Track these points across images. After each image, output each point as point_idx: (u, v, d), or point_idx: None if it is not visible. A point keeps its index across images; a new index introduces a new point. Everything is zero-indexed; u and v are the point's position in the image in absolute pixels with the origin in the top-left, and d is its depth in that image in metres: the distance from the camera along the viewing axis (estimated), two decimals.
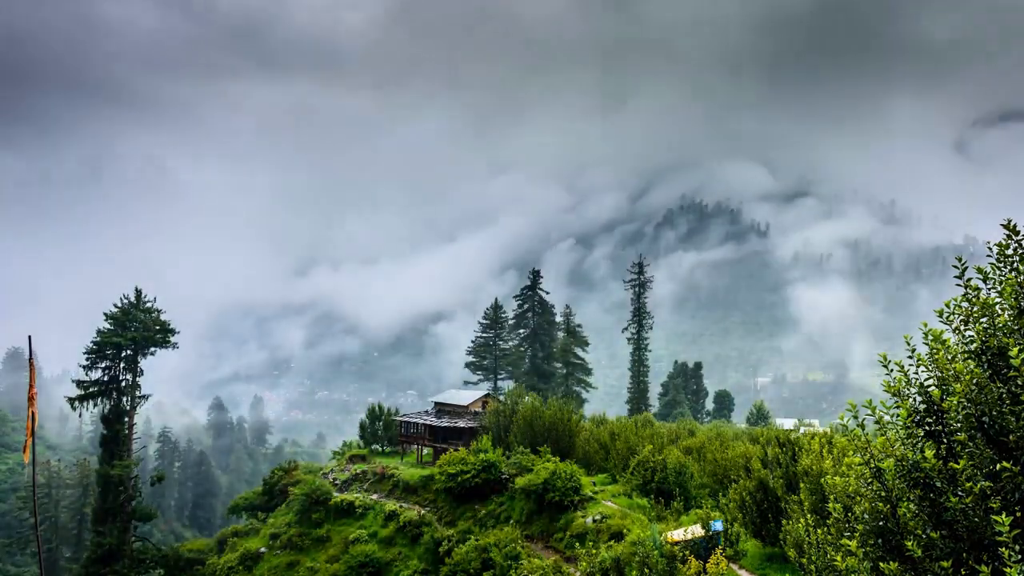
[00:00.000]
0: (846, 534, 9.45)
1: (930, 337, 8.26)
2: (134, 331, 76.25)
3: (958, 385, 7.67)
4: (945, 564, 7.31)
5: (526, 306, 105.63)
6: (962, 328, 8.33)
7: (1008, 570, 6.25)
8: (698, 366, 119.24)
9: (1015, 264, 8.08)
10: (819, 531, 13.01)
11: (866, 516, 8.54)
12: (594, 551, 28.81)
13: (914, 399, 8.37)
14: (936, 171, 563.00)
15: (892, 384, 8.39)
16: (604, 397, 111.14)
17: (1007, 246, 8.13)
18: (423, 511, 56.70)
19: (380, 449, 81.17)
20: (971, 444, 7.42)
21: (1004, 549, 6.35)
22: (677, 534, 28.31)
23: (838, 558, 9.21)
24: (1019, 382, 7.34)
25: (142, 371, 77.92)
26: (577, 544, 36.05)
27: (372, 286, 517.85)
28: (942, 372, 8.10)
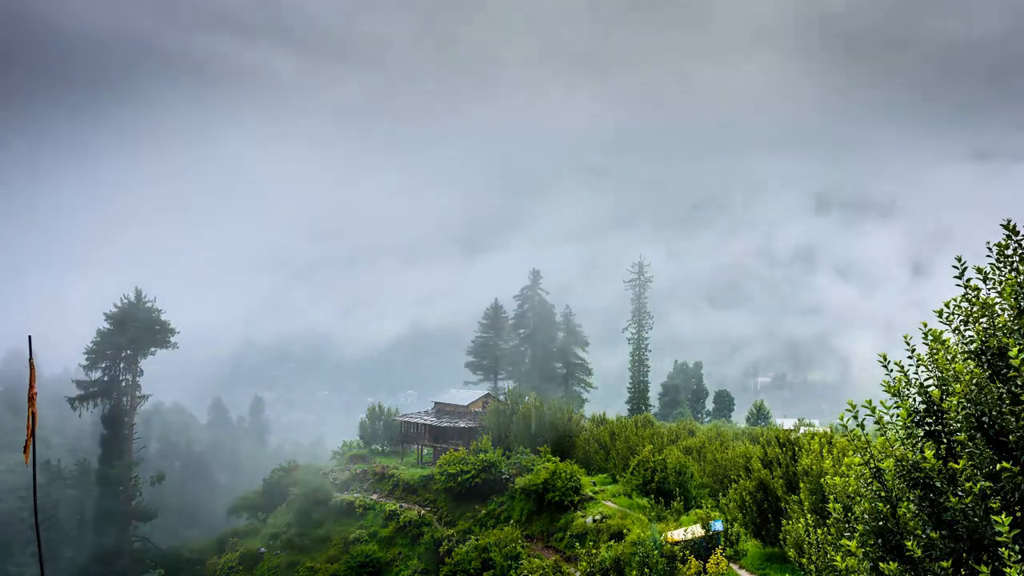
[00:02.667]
0: (846, 534, 9.45)
1: (930, 337, 8.26)
2: (134, 331, 76.29)
3: (958, 385, 7.67)
4: (945, 564, 7.31)
5: (526, 306, 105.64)
6: (962, 328, 8.32)
7: (1008, 570, 6.24)
8: (698, 366, 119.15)
9: (1015, 264, 8.08)
10: (819, 531, 13.02)
11: (866, 516, 8.54)
12: (594, 551, 28.82)
13: (914, 399, 8.37)
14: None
15: (892, 384, 8.39)
16: (604, 397, 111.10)
17: (1007, 246, 8.13)
18: (423, 511, 56.73)
19: (380, 449, 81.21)
20: (971, 444, 7.41)
21: (1004, 549, 6.34)
22: (677, 534, 28.33)
23: (838, 558, 9.21)
24: (1019, 382, 7.34)
25: (142, 371, 78.01)
26: (577, 544, 36.06)
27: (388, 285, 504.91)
28: (942, 372, 8.10)
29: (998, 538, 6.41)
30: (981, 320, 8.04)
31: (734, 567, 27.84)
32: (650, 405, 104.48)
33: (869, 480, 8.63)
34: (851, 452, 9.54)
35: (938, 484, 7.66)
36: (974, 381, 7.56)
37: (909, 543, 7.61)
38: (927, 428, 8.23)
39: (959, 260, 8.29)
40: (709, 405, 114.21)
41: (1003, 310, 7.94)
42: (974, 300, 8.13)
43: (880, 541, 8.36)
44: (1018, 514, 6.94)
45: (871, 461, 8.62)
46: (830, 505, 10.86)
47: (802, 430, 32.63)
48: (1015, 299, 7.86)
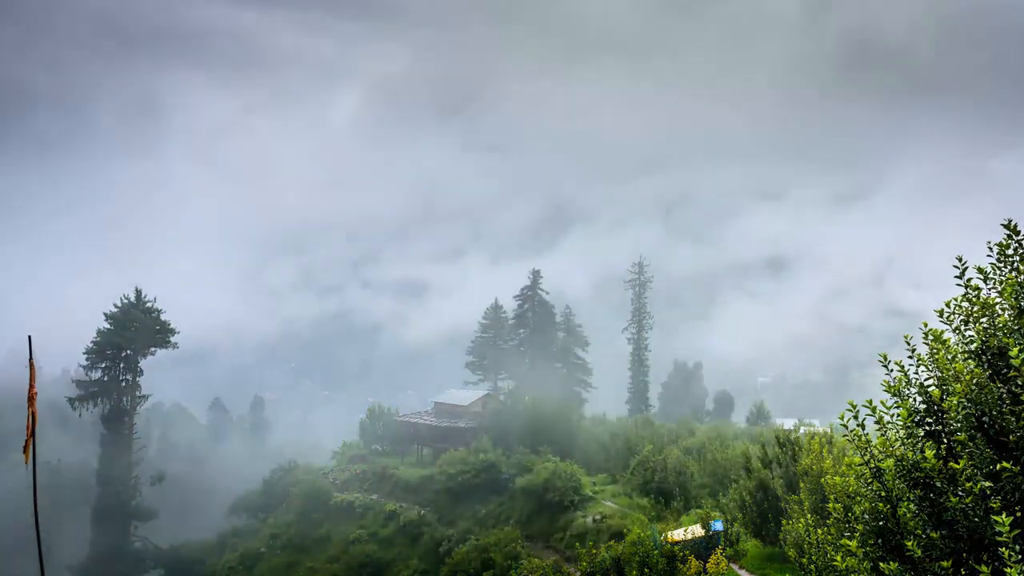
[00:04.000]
0: (846, 534, 9.44)
1: (930, 337, 8.26)
2: (134, 331, 76.28)
3: (958, 385, 7.67)
4: (945, 564, 7.31)
5: (526, 306, 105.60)
6: (962, 328, 8.32)
7: (1008, 570, 6.24)
8: (698, 366, 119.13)
9: (1015, 264, 8.08)
10: (819, 531, 13.02)
11: (866, 516, 8.54)
12: (594, 551, 28.78)
13: (914, 399, 8.36)
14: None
15: (892, 384, 8.39)
16: (604, 397, 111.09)
17: (1007, 246, 8.13)
18: (423, 511, 56.71)
19: (380, 449, 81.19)
20: (971, 444, 7.42)
21: (1004, 549, 6.34)
22: (677, 534, 28.36)
23: (838, 558, 9.21)
24: (1019, 382, 7.33)
25: (142, 371, 78.02)
26: (577, 544, 36.06)
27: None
28: (942, 372, 8.09)
29: (998, 538, 6.41)
30: (981, 320, 8.04)
31: (734, 567, 27.84)
32: (650, 405, 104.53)
33: (869, 480, 8.62)
34: (851, 452, 9.53)
35: (938, 484, 7.66)
36: (974, 381, 7.56)
37: (909, 543, 7.61)
38: (927, 428, 8.23)
39: (959, 260, 8.29)
40: (709, 405, 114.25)
41: (1003, 310, 7.94)
42: (974, 300, 8.13)
43: (880, 541, 8.36)
44: (1018, 514, 6.94)
45: (871, 461, 8.61)
46: (830, 505, 10.86)
47: (802, 430, 32.64)
48: (1015, 299, 7.86)
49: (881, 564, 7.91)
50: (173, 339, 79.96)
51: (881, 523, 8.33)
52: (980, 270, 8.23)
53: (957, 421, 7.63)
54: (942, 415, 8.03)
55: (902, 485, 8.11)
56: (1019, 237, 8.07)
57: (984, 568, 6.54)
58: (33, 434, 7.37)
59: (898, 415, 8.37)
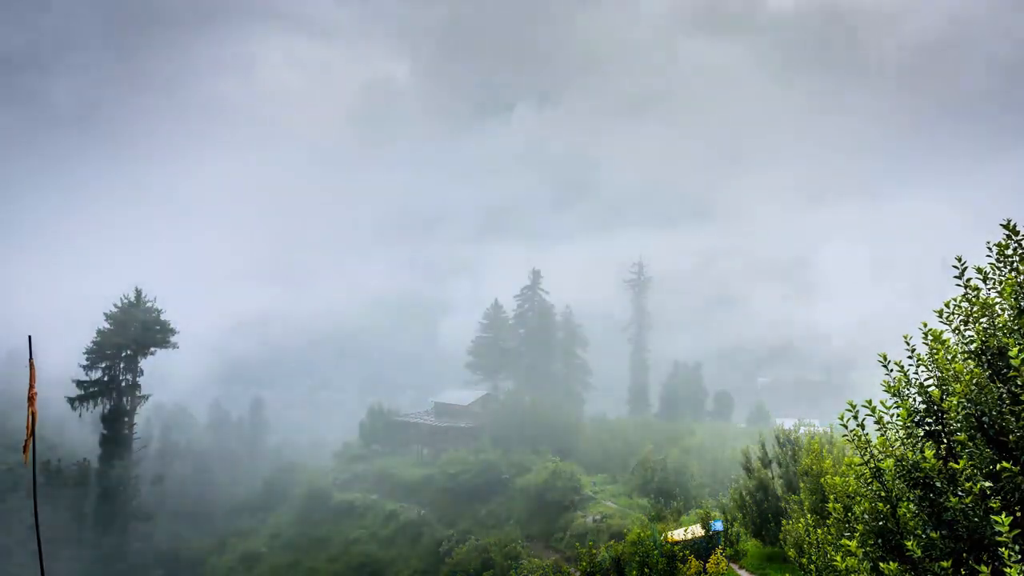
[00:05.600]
0: (846, 534, 9.45)
1: (930, 337, 8.26)
2: (134, 331, 76.31)
3: (958, 385, 7.67)
4: (945, 564, 7.31)
5: (526, 306, 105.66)
6: (962, 328, 8.32)
7: (1008, 570, 6.24)
8: (698, 366, 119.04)
9: (1015, 264, 8.08)
10: (819, 531, 13.03)
11: (866, 516, 8.54)
12: (594, 551, 28.78)
13: (914, 399, 8.36)
14: None
15: (892, 384, 8.39)
16: (604, 397, 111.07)
17: (1007, 246, 8.13)
18: (423, 511, 56.74)
19: (380, 449, 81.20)
20: (971, 444, 7.42)
21: (1004, 549, 6.34)
22: (677, 534, 28.36)
23: (838, 558, 9.21)
24: (1019, 382, 7.33)
25: (142, 371, 78.05)
26: (577, 544, 36.06)
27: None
28: (942, 372, 8.10)
29: (998, 538, 6.40)
30: (981, 320, 8.05)
31: (734, 567, 27.85)
32: (650, 405, 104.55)
33: (869, 480, 8.62)
34: (851, 452, 9.53)
35: (938, 484, 7.66)
36: (974, 381, 7.55)
37: (909, 543, 7.61)
38: (927, 428, 8.23)
39: (959, 260, 8.30)
40: (709, 405, 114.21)
41: (1003, 310, 7.95)
42: (974, 300, 8.13)
43: (880, 541, 8.36)
44: (1018, 514, 6.94)
45: (871, 461, 8.62)
46: (830, 505, 10.87)
47: (802, 430, 32.66)
48: (1015, 299, 7.86)
49: (881, 564, 7.91)
50: (173, 339, 79.99)
51: (881, 523, 8.33)
52: (979, 270, 8.24)
53: (957, 421, 7.63)
54: (942, 415, 8.03)
55: (902, 485, 8.11)
56: (1018, 237, 8.08)
57: (984, 568, 6.54)
58: (33, 434, 7.37)
59: (898, 415, 8.37)
